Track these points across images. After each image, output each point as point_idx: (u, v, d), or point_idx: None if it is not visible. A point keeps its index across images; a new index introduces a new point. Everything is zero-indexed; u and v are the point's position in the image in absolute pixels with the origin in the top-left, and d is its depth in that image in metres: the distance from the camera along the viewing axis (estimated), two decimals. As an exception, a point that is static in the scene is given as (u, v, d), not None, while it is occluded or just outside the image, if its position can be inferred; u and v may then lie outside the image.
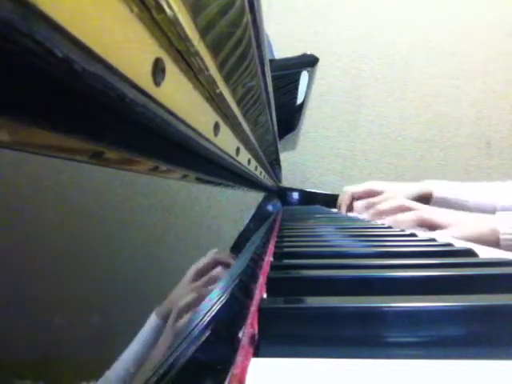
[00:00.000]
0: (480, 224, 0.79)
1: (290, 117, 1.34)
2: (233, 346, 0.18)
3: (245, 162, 0.50)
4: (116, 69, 0.13)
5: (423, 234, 0.62)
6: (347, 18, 1.94)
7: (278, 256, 0.40)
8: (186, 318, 0.23)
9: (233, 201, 0.60)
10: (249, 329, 0.20)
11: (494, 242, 0.75)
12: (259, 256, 0.37)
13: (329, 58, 1.89)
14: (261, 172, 0.77)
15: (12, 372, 0.13)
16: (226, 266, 0.35)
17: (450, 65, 1.94)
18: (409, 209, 0.93)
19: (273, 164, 1.08)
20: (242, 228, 0.60)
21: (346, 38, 1.95)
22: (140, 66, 0.15)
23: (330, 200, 1.54)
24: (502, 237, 0.75)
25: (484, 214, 0.85)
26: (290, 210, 1.30)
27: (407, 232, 0.62)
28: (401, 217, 0.90)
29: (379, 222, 0.90)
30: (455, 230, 0.80)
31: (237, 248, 0.48)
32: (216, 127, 0.30)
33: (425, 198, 1.10)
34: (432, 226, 0.84)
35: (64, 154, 0.15)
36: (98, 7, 0.11)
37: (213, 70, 0.24)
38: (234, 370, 0.16)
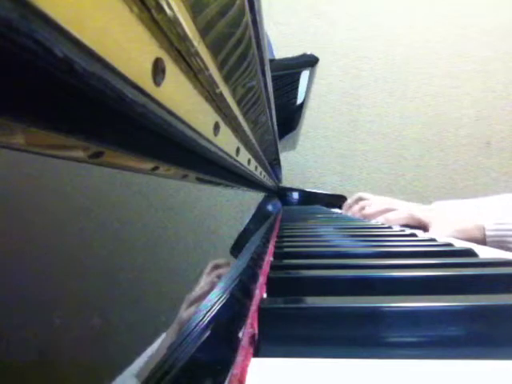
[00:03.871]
0: (465, 221, 0.79)
1: (290, 117, 1.34)
2: (233, 346, 0.18)
3: (245, 162, 0.50)
4: (116, 69, 0.13)
5: (422, 235, 0.62)
6: (347, 18, 1.94)
7: (277, 256, 0.40)
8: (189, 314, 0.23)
9: (233, 201, 0.60)
10: (249, 329, 0.20)
11: (480, 239, 0.75)
12: (259, 256, 0.37)
13: (329, 58, 1.89)
14: (261, 172, 0.77)
15: (12, 372, 0.13)
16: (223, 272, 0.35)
17: (449, 65, 1.94)
18: (394, 209, 0.95)
19: (273, 164, 1.08)
20: (241, 228, 0.60)
21: (346, 38, 1.95)
22: (140, 66, 0.15)
23: (330, 200, 1.55)
24: (487, 233, 0.75)
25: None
26: (290, 210, 1.30)
27: (407, 232, 0.62)
28: (391, 215, 0.91)
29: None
30: (441, 228, 0.81)
31: (237, 248, 0.48)
32: (216, 127, 0.30)
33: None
34: (420, 224, 0.86)
35: (64, 154, 0.15)
36: (97, 7, 0.11)
37: (213, 70, 0.24)
38: (234, 370, 0.16)
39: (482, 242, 0.75)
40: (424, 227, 0.86)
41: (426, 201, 0.97)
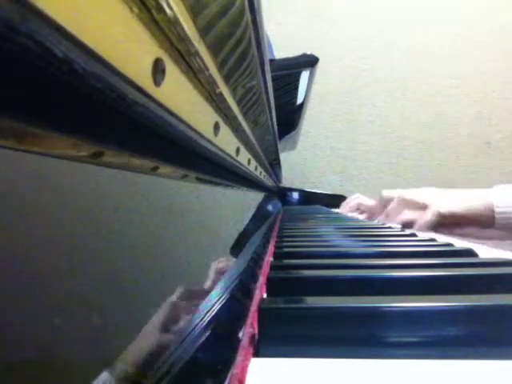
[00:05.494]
0: (471, 198, 0.72)
1: (290, 117, 1.34)
2: (233, 346, 0.18)
3: (245, 162, 0.50)
4: (116, 69, 0.13)
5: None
6: (347, 18, 1.94)
7: (278, 256, 0.40)
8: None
9: (233, 201, 0.60)
10: (249, 329, 0.20)
11: (488, 219, 0.69)
12: (259, 256, 0.37)
13: (329, 58, 1.89)
14: (261, 172, 0.77)
15: (12, 372, 0.13)
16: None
17: (449, 65, 1.94)
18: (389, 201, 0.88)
19: (273, 164, 1.08)
20: (242, 228, 0.60)
21: (346, 38, 1.95)
22: (140, 66, 0.15)
23: (330, 200, 1.55)
24: (497, 209, 0.68)
25: None
26: (290, 210, 1.30)
27: (407, 232, 0.62)
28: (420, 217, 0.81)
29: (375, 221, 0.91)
30: (442, 205, 0.74)
31: (237, 248, 0.48)
32: (216, 127, 0.30)
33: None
34: (415, 206, 0.78)
35: (64, 154, 0.15)
36: (97, 7, 0.11)
37: (213, 70, 0.24)
38: (234, 370, 0.16)
39: (490, 221, 0.69)
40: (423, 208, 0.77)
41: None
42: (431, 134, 1.94)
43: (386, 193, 0.93)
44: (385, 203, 0.91)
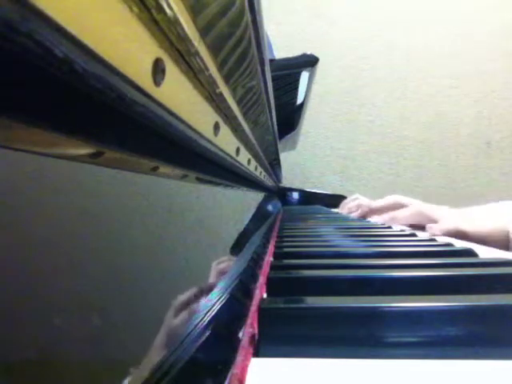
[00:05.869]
0: (488, 221, 0.70)
1: (290, 117, 1.34)
2: (233, 346, 0.18)
3: (245, 162, 0.50)
4: (116, 69, 0.13)
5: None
6: (347, 18, 1.94)
7: (278, 256, 0.40)
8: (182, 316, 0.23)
9: (233, 201, 0.60)
10: (249, 329, 0.20)
11: (503, 243, 0.67)
12: (259, 256, 0.37)
13: (329, 58, 1.89)
14: (261, 172, 0.77)
15: (12, 372, 0.13)
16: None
17: (449, 65, 1.94)
18: (403, 206, 0.88)
19: (273, 164, 1.08)
20: (242, 228, 0.60)
21: (346, 38, 1.95)
22: (140, 66, 0.15)
23: (330, 200, 1.55)
24: None
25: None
26: (290, 210, 1.30)
27: (407, 232, 0.62)
28: (398, 213, 0.85)
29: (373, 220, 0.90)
30: (453, 221, 0.71)
31: (237, 248, 0.48)
32: (216, 127, 0.30)
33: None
34: (430, 222, 0.76)
35: (64, 154, 0.15)
36: (97, 7, 0.11)
37: (213, 70, 0.24)
38: (234, 370, 0.16)
39: (503, 246, 0.66)
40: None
41: (426, 201, 0.94)
42: (431, 133, 1.94)
43: (400, 198, 0.92)
44: (393, 206, 0.89)
